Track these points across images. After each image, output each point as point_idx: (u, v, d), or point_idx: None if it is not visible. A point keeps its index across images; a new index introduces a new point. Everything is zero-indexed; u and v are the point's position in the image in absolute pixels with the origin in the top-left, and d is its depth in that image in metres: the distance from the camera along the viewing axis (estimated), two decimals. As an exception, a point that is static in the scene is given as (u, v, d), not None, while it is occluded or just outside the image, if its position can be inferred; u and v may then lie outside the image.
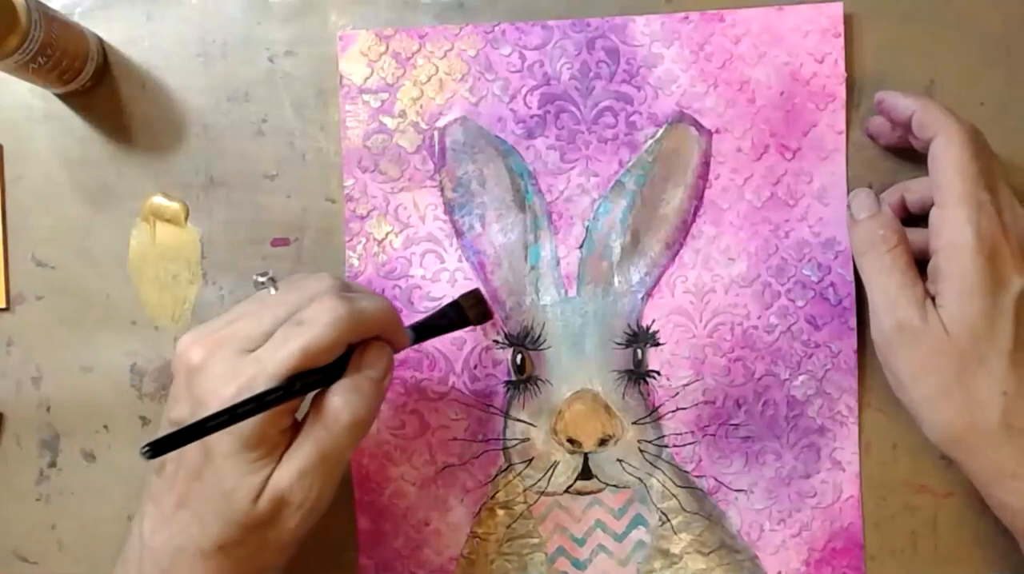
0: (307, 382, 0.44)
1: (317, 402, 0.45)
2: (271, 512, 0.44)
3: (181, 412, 0.44)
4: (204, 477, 0.44)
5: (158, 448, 0.41)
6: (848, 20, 0.56)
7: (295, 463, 0.44)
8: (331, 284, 0.46)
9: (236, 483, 0.44)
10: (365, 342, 0.47)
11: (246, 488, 0.44)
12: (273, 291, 0.47)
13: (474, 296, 0.56)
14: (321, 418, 0.45)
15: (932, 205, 0.51)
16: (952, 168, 0.49)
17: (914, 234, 0.52)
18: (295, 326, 0.44)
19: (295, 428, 0.46)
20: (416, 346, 0.56)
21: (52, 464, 0.58)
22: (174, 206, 0.58)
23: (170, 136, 0.58)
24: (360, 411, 0.45)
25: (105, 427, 0.58)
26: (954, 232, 0.49)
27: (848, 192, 0.55)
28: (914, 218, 0.54)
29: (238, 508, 0.44)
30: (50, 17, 0.52)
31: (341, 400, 0.45)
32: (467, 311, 0.55)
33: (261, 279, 0.47)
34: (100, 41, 0.57)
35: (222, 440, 0.43)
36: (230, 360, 0.44)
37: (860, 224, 0.53)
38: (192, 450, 0.44)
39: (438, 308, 0.55)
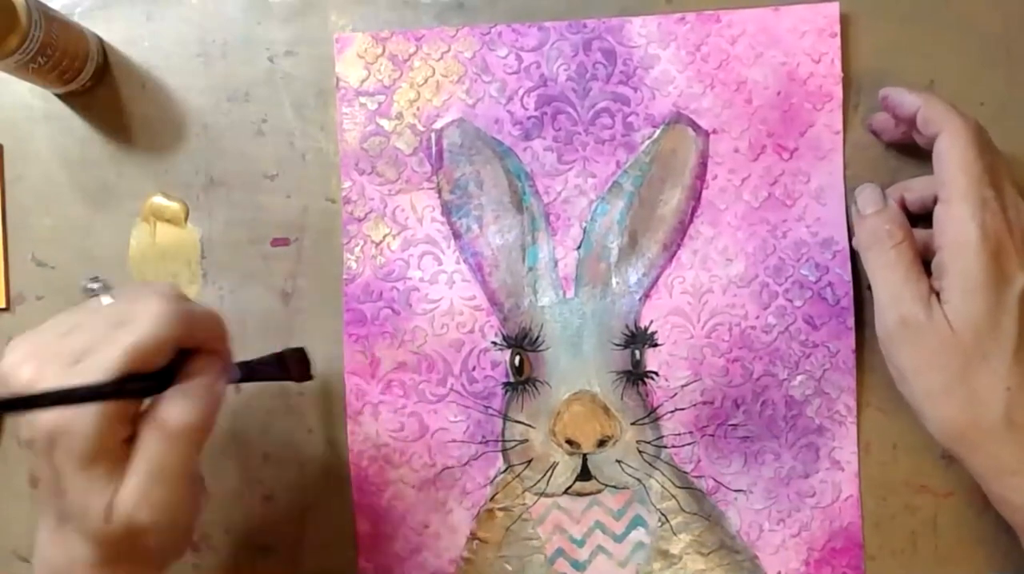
0: (139, 386, 0.42)
1: (146, 414, 0.43)
2: (127, 532, 0.42)
3: (23, 432, 0.43)
4: (66, 495, 0.42)
5: None
6: (847, 20, 0.56)
7: (133, 481, 0.42)
8: (162, 289, 0.44)
9: (86, 503, 0.42)
10: (193, 354, 0.45)
11: (95, 509, 0.41)
12: (106, 299, 0.44)
13: (300, 352, 0.54)
14: (150, 428, 0.42)
15: (932, 205, 0.51)
16: (957, 165, 0.49)
17: (917, 234, 0.52)
18: (119, 327, 0.42)
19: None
20: (415, 348, 0.56)
21: (51, 464, 0.58)
22: (174, 206, 0.58)
23: (170, 136, 0.58)
24: (190, 415, 0.42)
25: (104, 427, 0.58)
26: (959, 229, 0.49)
27: (845, 192, 0.55)
28: (914, 218, 0.54)
29: (96, 528, 0.42)
30: (50, 17, 0.52)
31: (169, 405, 0.42)
32: (290, 366, 0.53)
33: (93, 286, 0.45)
34: (100, 41, 0.58)
35: (63, 459, 0.41)
36: (59, 377, 0.41)
37: (866, 219, 0.52)
38: (47, 468, 0.42)
39: (264, 356, 0.53)
